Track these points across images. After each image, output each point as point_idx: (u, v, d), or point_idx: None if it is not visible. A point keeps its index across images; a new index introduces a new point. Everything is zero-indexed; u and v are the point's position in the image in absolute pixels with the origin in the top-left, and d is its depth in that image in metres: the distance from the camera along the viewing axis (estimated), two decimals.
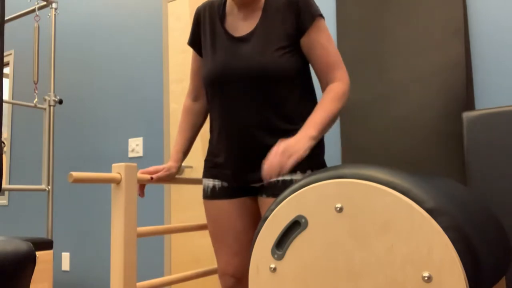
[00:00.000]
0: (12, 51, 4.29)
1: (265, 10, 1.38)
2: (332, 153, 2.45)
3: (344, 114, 2.39)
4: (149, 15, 3.32)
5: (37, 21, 3.15)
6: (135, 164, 1.47)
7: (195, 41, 1.53)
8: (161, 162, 3.11)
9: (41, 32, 4.01)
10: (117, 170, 1.44)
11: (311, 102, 1.45)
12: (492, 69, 2.06)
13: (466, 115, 1.85)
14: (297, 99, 1.39)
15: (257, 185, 1.44)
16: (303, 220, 1.12)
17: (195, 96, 1.59)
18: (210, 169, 1.50)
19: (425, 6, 2.19)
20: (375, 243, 1.02)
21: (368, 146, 2.26)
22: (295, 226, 1.13)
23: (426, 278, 0.96)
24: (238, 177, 1.43)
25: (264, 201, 1.39)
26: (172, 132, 3.06)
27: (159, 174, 1.56)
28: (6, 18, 3.60)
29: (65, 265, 3.57)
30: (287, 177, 1.34)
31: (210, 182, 1.49)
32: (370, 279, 1.02)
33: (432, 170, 2.07)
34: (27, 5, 4.20)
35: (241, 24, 1.41)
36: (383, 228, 1.01)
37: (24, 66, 4.17)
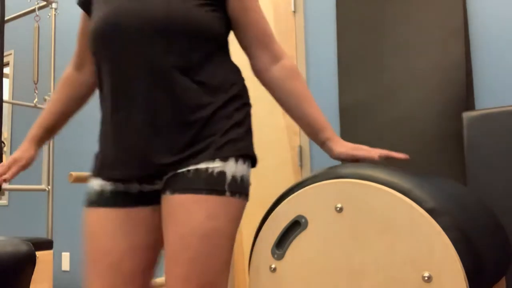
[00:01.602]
0: (12, 51, 4.28)
1: None
2: None
3: (344, 113, 2.39)
4: None
5: (37, 21, 3.15)
6: None
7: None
8: None
9: (41, 32, 4.01)
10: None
11: (235, 71, 1.15)
12: (492, 69, 2.06)
13: (466, 115, 1.85)
14: (220, 66, 1.10)
15: (157, 186, 1.06)
16: (303, 220, 1.12)
17: (78, 64, 1.19)
18: (98, 165, 1.09)
19: (425, 6, 2.19)
20: (375, 243, 1.02)
21: (368, 145, 2.26)
22: (295, 226, 1.13)
23: (426, 278, 0.96)
24: (139, 165, 1.02)
25: (169, 200, 1.00)
26: None
27: (5, 176, 1.20)
28: (6, 18, 3.60)
29: (65, 265, 3.57)
30: (202, 166, 0.99)
31: (97, 183, 1.08)
32: (370, 279, 1.02)
33: (432, 170, 2.07)
34: (27, 5, 4.19)
35: None
36: (383, 228, 1.01)
37: (24, 66, 4.17)
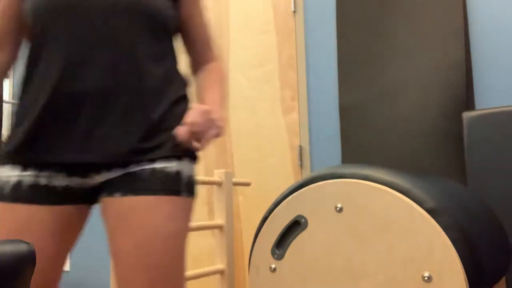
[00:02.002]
0: None
1: None
2: (332, 153, 2.45)
3: (344, 113, 2.39)
4: None
5: None
6: None
7: None
8: None
9: None
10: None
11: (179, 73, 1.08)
12: (492, 69, 2.06)
13: (466, 115, 1.85)
14: (175, 63, 1.05)
15: (97, 180, 0.95)
16: (303, 220, 1.12)
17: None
18: (15, 152, 0.93)
19: (425, 6, 2.19)
20: (375, 243, 1.02)
21: (368, 146, 2.27)
22: (295, 226, 1.13)
23: (426, 278, 0.96)
24: (85, 149, 0.91)
25: (119, 202, 0.91)
26: None
27: None
28: None
29: (65, 265, 3.58)
30: (158, 165, 0.92)
31: (14, 174, 0.92)
32: (370, 279, 1.02)
33: (432, 170, 2.07)
34: None
35: None
36: (383, 228, 1.01)
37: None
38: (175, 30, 1.07)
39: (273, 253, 1.15)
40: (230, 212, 1.87)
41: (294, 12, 2.63)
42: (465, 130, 1.84)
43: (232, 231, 1.86)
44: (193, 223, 1.77)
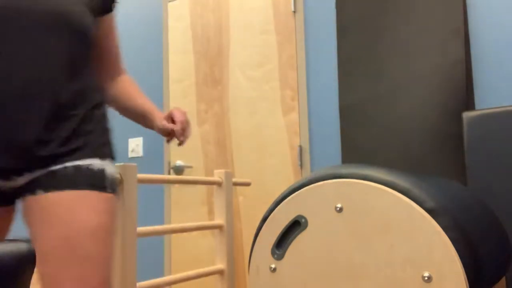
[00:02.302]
0: None
1: None
2: (332, 153, 2.45)
3: (344, 113, 2.39)
4: (149, 15, 3.32)
5: None
6: (135, 164, 1.47)
7: None
8: (161, 162, 3.11)
9: None
10: (117, 170, 1.44)
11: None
12: (492, 69, 2.06)
13: (466, 115, 1.85)
14: (89, 72, 1.09)
15: (20, 182, 0.97)
16: (303, 220, 1.12)
17: None
18: None
19: (425, 6, 2.19)
20: (375, 243, 1.02)
21: (368, 146, 2.27)
22: (295, 226, 1.13)
23: (426, 278, 0.96)
24: (9, 153, 0.93)
25: (42, 199, 0.94)
26: None
27: None
28: None
29: None
30: (82, 162, 0.97)
31: None
32: (370, 279, 1.02)
33: (432, 170, 2.07)
34: None
35: None
36: (383, 228, 1.01)
37: None
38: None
39: (273, 253, 1.15)
40: (230, 212, 1.87)
41: (294, 12, 2.63)
42: (465, 130, 1.84)
43: (232, 231, 1.86)
44: (193, 223, 1.77)
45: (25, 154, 0.94)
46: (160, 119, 1.16)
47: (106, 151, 1.03)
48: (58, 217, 0.92)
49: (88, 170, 0.97)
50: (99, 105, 1.07)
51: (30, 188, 0.95)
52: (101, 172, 0.99)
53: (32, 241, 0.95)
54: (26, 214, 0.97)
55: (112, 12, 1.22)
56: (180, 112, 1.15)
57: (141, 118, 1.22)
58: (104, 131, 1.06)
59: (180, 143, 1.14)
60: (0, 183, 0.95)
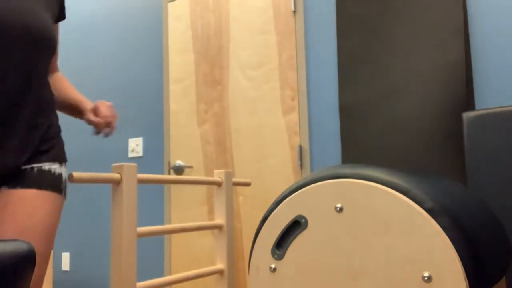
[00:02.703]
0: None
1: None
2: (332, 153, 2.45)
3: (344, 113, 2.39)
4: (149, 15, 3.32)
5: None
6: (135, 164, 1.47)
7: None
8: (161, 162, 3.11)
9: None
10: (117, 170, 1.44)
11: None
12: (492, 69, 2.06)
13: (466, 115, 1.85)
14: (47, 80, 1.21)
15: None
16: (303, 220, 1.12)
17: None
18: None
19: (425, 6, 2.19)
20: (375, 243, 1.02)
21: (368, 146, 2.27)
22: (295, 226, 1.14)
23: (426, 278, 0.96)
24: None
25: (9, 193, 1.04)
26: (172, 132, 3.06)
27: None
28: None
29: (65, 265, 3.57)
30: (46, 166, 1.10)
31: None
32: (370, 279, 1.02)
33: (432, 170, 2.07)
34: None
35: None
36: (383, 228, 1.01)
37: None
38: None
39: (273, 253, 1.15)
40: (230, 212, 1.87)
41: (294, 12, 2.63)
42: (465, 130, 1.84)
43: (232, 231, 1.86)
44: (193, 223, 1.77)
45: (6, 164, 1.05)
46: (87, 112, 1.25)
47: (63, 156, 1.18)
48: (19, 210, 1.04)
49: (50, 173, 1.11)
50: (55, 112, 1.22)
51: (5, 180, 1.06)
52: (59, 176, 1.15)
53: None
54: None
55: (62, 17, 1.32)
56: (104, 106, 1.22)
57: (72, 111, 1.31)
58: (61, 137, 1.21)
59: (106, 135, 1.25)
60: None
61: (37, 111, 1.12)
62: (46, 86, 1.17)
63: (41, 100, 1.13)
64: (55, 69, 1.37)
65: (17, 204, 1.04)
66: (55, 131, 1.18)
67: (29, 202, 1.04)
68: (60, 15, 1.30)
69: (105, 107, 1.23)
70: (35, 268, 1.03)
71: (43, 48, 1.11)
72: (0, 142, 1.04)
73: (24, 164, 1.08)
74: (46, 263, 1.07)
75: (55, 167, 1.14)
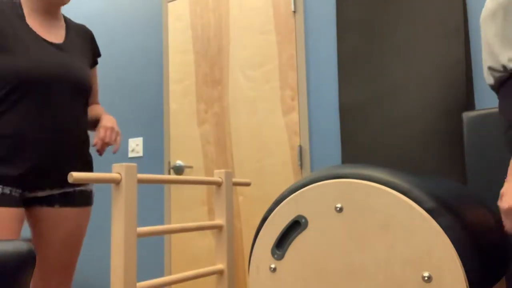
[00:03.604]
0: None
1: (67, 28, 1.54)
2: (332, 153, 2.45)
3: (344, 113, 2.39)
4: (149, 15, 3.32)
5: None
6: (135, 164, 1.47)
7: None
8: (160, 162, 3.11)
9: None
10: (117, 170, 1.44)
11: None
12: None
13: (466, 115, 1.85)
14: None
15: (42, 194, 1.43)
16: (303, 220, 1.12)
17: None
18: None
19: (425, 6, 2.19)
20: (375, 243, 1.02)
21: (368, 145, 2.27)
22: (295, 226, 1.14)
23: (426, 278, 0.96)
24: (39, 180, 1.38)
25: (55, 210, 1.44)
26: (172, 132, 3.06)
27: None
28: None
29: None
30: (83, 188, 1.52)
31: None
32: (370, 279, 1.02)
33: (432, 170, 2.07)
34: None
35: (49, 32, 1.46)
36: (383, 228, 1.01)
37: None
38: None
39: (273, 253, 1.15)
40: (230, 212, 1.87)
41: (294, 12, 2.63)
42: (465, 130, 1.84)
43: (232, 231, 1.86)
44: (193, 223, 1.77)
45: (50, 178, 1.41)
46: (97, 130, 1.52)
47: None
48: (66, 222, 1.47)
49: (86, 192, 1.53)
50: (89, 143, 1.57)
51: (46, 201, 1.44)
52: (90, 193, 1.57)
53: (38, 234, 1.42)
54: (37, 217, 1.44)
55: (97, 60, 1.67)
56: (103, 128, 1.46)
57: (95, 127, 1.61)
58: (92, 163, 1.59)
59: (100, 153, 1.49)
60: (27, 193, 1.40)
61: (81, 142, 1.49)
62: (84, 117, 1.53)
63: (84, 133, 1.51)
64: (96, 102, 1.71)
65: (65, 218, 1.46)
66: (91, 159, 1.58)
67: (73, 216, 1.48)
68: (95, 59, 1.65)
69: (103, 130, 1.45)
70: (74, 261, 1.48)
71: (80, 90, 1.48)
72: (59, 166, 1.43)
73: (68, 187, 1.47)
74: (78, 257, 1.58)
75: (89, 187, 1.56)
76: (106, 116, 1.53)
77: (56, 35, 1.47)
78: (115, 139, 1.46)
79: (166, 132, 3.10)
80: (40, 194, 1.41)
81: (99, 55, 1.66)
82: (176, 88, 3.08)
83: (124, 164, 1.44)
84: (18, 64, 1.33)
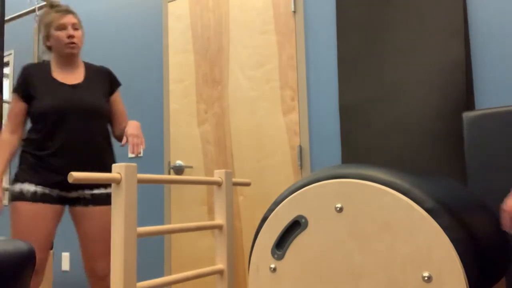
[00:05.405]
0: (12, 51, 4.29)
1: (86, 70, 2.04)
2: (332, 153, 2.45)
3: (344, 113, 2.39)
4: (149, 15, 3.32)
5: (37, 21, 3.15)
6: (135, 164, 1.47)
7: (23, 91, 1.95)
8: (161, 162, 3.11)
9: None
10: (117, 170, 1.44)
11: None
12: (492, 69, 2.06)
13: (466, 115, 1.85)
14: (107, 128, 2.05)
15: (73, 195, 1.94)
16: (303, 220, 1.12)
17: (12, 130, 1.98)
18: (35, 175, 1.87)
19: (425, 6, 2.19)
20: (375, 243, 1.02)
21: (368, 146, 2.27)
22: (295, 226, 1.14)
23: (426, 278, 0.96)
24: (71, 185, 1.91)
25: (90, 210, 1.93)
26: (172, 132, 3.06)
27: None
28: (6, 18, 3.60)
29: (65, 265, 3.57)
30: (107, 190, 1.98)
31: (31, 187, 1.86)
32: (370, 279, 1.02)
33: (432, 170, 2.07)
34: (27, 5, 4.20)
35: (69, 77, 1.98)
36: (383, 228, 1.01)
37: None
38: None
39: (273, 253, 1.15)
40: (230, 212, 1.87)
41: (294, 12, 2.63)
42: (465, 130, 1.84)
43: (232, 231, 1.86)
44: (193, 223, 1.77)
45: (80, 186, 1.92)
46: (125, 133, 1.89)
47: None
48: (100, 219, 1.94)
49: (109, 194, 1.98)
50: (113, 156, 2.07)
51: (81, 202, 1.93)
52: (110, 195, 1.97)
53: (80, 229, 1.93)
54: (78, 216, 1.94)
55: (116, 90, 2.10)
56: (131, 125, 1.89)
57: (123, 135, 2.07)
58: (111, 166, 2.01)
59: (132, 152, 1.83)
60: (63, 193, 1.92)
61: (102, 156, 1.96)
62: (106, 140, 2.00)
63: (105, 149, 1.99)
64: (124, 121, 2.10)
65: (98, 215, 1.93)
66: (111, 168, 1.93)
67: (103, 214, 1.95)
68: (112, 88, 2.07)
69: (132, 126, 1.87)
70: (108, 250, 1.94)
71: (93, 113, 1.94)
72: (81, 171, 1.86)
73: (96, 189, 1.94)
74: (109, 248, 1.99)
75: (109, 190, 1.98)
76: (130, 122, 1.90)
77: (75, 78, 1.99)
78: (140, 143, 1.86)
79: (166, 132, 3.10)
80: (72, 194, 1.93)
81: (117, 84, 2.10)
82: (176, 88, 3.08)
83: (124, 164, 1.44)
84: (43, 104, 1.89)
